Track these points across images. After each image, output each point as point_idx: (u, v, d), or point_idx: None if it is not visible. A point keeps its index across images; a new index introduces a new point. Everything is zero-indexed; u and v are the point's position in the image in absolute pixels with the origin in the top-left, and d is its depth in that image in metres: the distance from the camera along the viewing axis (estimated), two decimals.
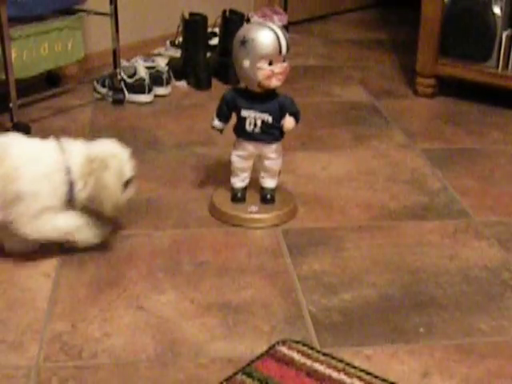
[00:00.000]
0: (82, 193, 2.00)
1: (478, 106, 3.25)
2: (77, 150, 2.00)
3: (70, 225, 2.01)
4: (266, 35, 2.11)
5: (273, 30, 2.11)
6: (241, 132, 2.22)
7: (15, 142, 2.01)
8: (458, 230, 2.25)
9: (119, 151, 2.05)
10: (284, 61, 2.14)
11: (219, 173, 2.48)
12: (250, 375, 1.61)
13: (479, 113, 3.19)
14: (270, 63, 2.12)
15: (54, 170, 1.96)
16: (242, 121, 2.20)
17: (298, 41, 4.24)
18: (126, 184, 2.05)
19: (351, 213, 2.34)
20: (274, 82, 2.14)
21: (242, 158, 2.26)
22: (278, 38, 2.10)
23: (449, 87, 3.38)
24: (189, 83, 3.45)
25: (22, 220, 1.95)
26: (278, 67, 2.12)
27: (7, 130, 2.72)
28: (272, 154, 2.24)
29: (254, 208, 2.29)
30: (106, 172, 1.98)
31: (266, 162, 2.26)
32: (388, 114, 3.17)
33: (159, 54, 3.69)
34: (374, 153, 2.78)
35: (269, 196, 2.30)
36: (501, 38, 3.10)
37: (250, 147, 2.24)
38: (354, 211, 2.35)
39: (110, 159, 1.99)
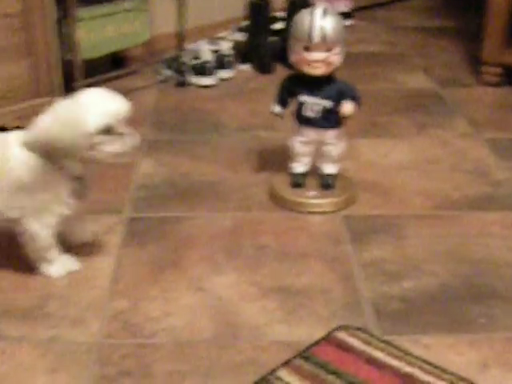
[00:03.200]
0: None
1: None
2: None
3: None
4: (301, 20, 2.09)
5: (313, 15, 2.07)
6: (300, 118, 2.21)
7: None
8: None
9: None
10: (330, 50, 2.08)
11: (280, 157, 2.48)
12: (308, 359, 1.61)
13: None
14: (307, 49, 2.09)
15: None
16: (300, 106, 2.20)
17: (362, 27, 4.21)
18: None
19: (412, 201, 2.32)
20: (308, 69, 2.11)
21: (303, 143, 2.25)
22: (310, 25, 2.06)
23: None
24: (253, 67, 3.45)
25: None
26: (313, 55, 2.09)
27: None
28: (332, 140, 2.23)
29: (313, 193, 2.29)
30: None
31: (325, 148, 2.25)
32: (452, 102, 3.13)
33: (224, 38, 3.70)
34: (437, 141, 2.75)
35: (329, 182, 2.30)
36: None
37: (312, 133, 2.22)
38: (415, 200, 2.33)
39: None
